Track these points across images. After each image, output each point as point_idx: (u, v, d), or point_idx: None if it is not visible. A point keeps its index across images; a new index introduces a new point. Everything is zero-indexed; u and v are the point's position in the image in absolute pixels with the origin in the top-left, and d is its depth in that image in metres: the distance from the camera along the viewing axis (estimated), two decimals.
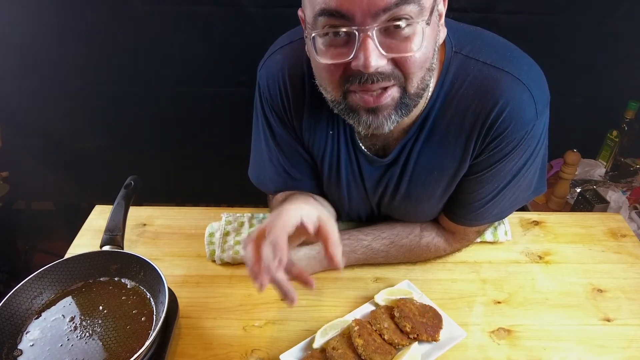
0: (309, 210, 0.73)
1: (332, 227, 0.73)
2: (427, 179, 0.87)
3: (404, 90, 0.70)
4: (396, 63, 0.67)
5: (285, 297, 0.70)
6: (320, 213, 0.74)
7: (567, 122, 1.54)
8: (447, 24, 0.79)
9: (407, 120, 0.82)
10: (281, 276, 0.69)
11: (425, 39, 0.66)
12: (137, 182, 1.00)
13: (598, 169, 1.84)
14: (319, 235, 0.73)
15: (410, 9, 0.63)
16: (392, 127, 0.73)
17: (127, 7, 1.53)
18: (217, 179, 1.92)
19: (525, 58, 0.80)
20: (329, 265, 0.73)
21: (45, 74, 1.68)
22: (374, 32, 0.63)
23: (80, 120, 1.80)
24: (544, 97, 0.79)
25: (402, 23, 0.64)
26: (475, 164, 0.84)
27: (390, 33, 0.65)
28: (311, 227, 0.72)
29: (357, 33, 0.64)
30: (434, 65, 0.72)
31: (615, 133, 1.78)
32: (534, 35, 1.52)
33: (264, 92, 0.89)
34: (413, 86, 0.70)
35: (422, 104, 0.80)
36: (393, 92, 0.70)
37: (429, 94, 0.79)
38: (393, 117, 0.72)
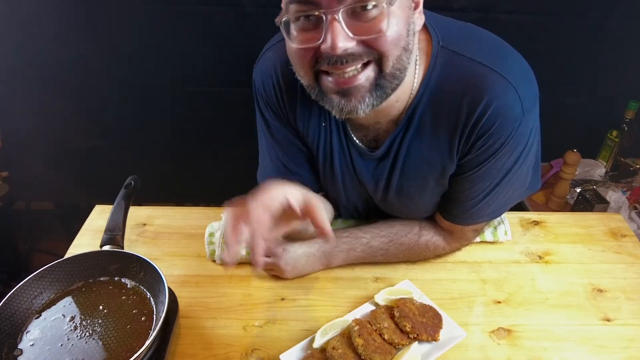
0: (293, 190, 0.74)
1: (316, 201, 0.74)
2: (418, 173, 0.87)
3: (379, 69, 0.70)
4: (368, 44, 0.68)
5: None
6: (304, 192, 0.75)
7: (567, 122, 1.54)
8: (436, 20, 0.79)
9: (394, 111, 0.82)
10: (260, 258, 0.71)
11: (393, 18, 0.67)
12: (137, 182, 1.00)
13: (598, 169, 1.84)
14: (306, 213, 0.74)
15: None
16: (367, 111, 0.73)
17: (127, 7, 1.53)
18: (217, 179, 1.92)
19: (513, 55, 0.80)
20: (319, 236, 0.74)
21: (45, 74, 1.68)
22: (340, 14, 0.65)
23: (80, 120, 1.80)
24: (531, 95, 0.79)
25: (368, 5, 0.65)
26: (465, 163, 0.84)
27: (358, 15, 0.66)
28: (296, 204, 0.73)
29: (324, 16, 0.65)
30: (410, 47, 0.72)
31: (615, 133, 1.78)
32: (534, 35, 1.53)
33: (259, 89, 0.90)
34: (388, 65, 0.70)
35: (408, 95, 0.80)
36: (368, 72, 0.70)
37: (416, 86, 0.80)
38: (367, 100, 0.72)
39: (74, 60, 1.65)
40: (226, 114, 1.76)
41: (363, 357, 0.78)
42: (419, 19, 0.75)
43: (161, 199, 1.77)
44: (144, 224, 1.12)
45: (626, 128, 1.75)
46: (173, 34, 1.60)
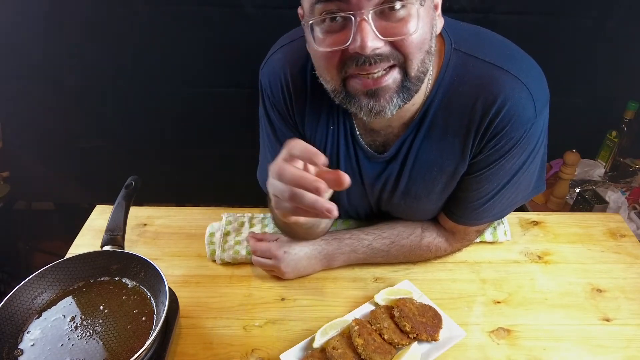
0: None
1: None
2: (427, 175, 0.87)
3: (404, 72, 0.71)
4: (395, 45, 0.68)
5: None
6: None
7: (566, 122, 1.54)
8: (446, 22, 0.79)
9: (408, 114, 0.82)
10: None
11: (420, 20, 0.67)
12: (137, 182, 1.00)
13: (597, 169, 1.84)
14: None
15: None
16: (394, 111, 0.73)
17: (128, 7, 1.53)
18: (217, 179, 1.92)
19: (524, 56, 0.81)
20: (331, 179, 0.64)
21: (45, 74, 1.68)
22: (370, 15, 0.65)
23: (80, 120, 1.81)
24: (543, 96, 0.79)
25: (396, 5, 0.65)
26: (475, 163, 0.84)
27: (386, 15, 0.66)
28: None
29: (353, 17, 0.65)
30: (432, 50, 0.73)
31: (614, 133, 1.79)
32: (534, 35, 1.53)
33: (265, 90, 0.90)
34: (413, 68, 0.70)
35: (422, 98, 0.80)
36: (394, 74, 0.70)
37: (429, 88, 0.80)
38: (395, 100, 0.72)
39: (74, 60, 1.65)
40: (226, 114, 1.76)
41: (363, 357, 0.78)
42: (439, 21, 0.75)
43: (161, 199, 1.77)
44: (145, 224, 1.12)
45: (625, 128, 1.75)
46: (173, 34, 1.60)
